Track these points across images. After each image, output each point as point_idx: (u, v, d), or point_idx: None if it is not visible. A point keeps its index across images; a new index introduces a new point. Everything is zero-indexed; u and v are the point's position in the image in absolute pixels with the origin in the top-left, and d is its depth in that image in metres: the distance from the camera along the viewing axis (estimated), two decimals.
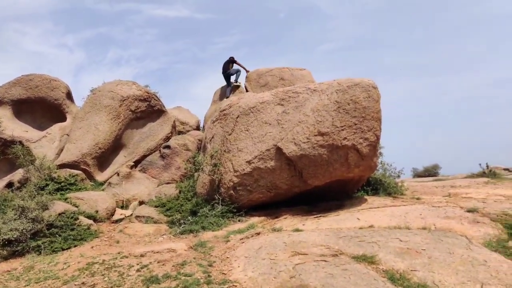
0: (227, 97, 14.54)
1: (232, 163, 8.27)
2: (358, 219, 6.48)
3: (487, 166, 17.47)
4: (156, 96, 13.99)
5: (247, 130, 8.30)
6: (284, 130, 7.71)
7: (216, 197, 8.34)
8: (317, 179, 7.59)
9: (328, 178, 7.58)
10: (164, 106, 14.36)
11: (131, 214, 9.03)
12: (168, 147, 12.62)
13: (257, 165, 7.86)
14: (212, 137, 9.18)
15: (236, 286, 4.01)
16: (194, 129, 15.72)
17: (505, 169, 17.84)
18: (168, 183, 11.67)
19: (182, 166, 12.18)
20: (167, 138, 13.69)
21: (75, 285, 4.25)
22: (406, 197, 8.73)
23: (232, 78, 15.12)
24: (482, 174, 16.42)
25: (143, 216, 8.47)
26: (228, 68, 14.70)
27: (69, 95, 14.51)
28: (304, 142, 7.37)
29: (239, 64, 15.05)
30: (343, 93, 7.37)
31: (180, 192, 9.63)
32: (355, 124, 7.19)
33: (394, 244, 4.83)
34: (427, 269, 4.12)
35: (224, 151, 8.59)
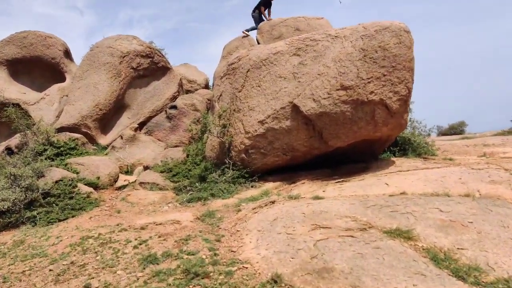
0: (250, 29, 14.02)
1: (243, 124, 7.60)
2: (387, 184, 5.83)
3: None
4: (160, 52, 13.17)
5: (258, 86, 7.54)
6: (301, 84, 6.92)
7: (227, 161, 7.78)
8: (340, 139, 6.89)
9: (352, 138, 6.87)
10: (169, 63, 13.57)
11: (135, 180, 8.61)
12: (174, 107, 12.00)
13: (271, 126, 7.18)
14: (220, 94, 8.47)
15: (247, 267, 3.49)
16: (203, 88, 14.98)
17: None
18: (176, 146, 11.17)
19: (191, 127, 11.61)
20: (174, 98, 13.04)
21: (63, 265, 3.83)
22: (438, 158, 7.99)
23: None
24: (503, 133, 15.43)
25: (148, 183, 8.04)
26: (255, 11, 13.79)
27: (67, 53, 13.83)
28: (324, 98, 6.59)
29: (261, 12, 13.82)
30: (369, 39, 6.44)
31: (187, 156, 9.11)
32: (384, 75, 6.34)
33: (434, 216, 4.19)
34: (478, 247, 3.49)
35: (234, 110, 7.90)
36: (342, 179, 6.91)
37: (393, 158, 7.88)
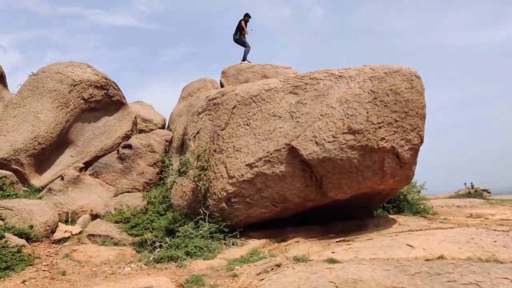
0: (244, 60, 13.87)
1: (226, 167, 6.56)
2: (410, 246, 5.04)
3: (472, 186, 17.15)
4: (116, 85, 11.88)
5: (247, 125, 6.66)
6: (300, 125, 6.17)
7: (201, 211, 6.56)
8: (341, 190, 6.10)
9: (354, 190, 6.13)
10: (124, 98, 12.26)
11: (81, 232, 6.93)
12: (129, 146, 10.55)
13: (261, 170, 6.23)
14: (197, 132, 7.41)
15: None
16: (159, 128, 13.72)
17: (483, 190, 17.56)
18: (127, 191, 9.60)
19: (146, 170, 10.18)
20: (126, 137, 11.58)
21: None
22: (437, 217, 7.51)
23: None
24: (468, 194, 16.01)
25: (99, 235, 6.44)
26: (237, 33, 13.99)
27: (1, 78, 11.95)
28: (329, 142, 5.87)
29: (242, 27, 14.12)
30: (379, 81, 6.01)
31: (148, 203, 7.68)
32: (396, 121, 5.84)
33: None
34: None
35: (215, 150, 6.86)
36: (343, 238, 6.04)
37: (392, 216, 7.23)
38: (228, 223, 6.37)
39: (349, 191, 6.13)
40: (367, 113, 5.85)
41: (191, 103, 11.39)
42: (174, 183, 7.62)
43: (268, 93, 6.68)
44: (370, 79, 6.07)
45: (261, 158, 6.25)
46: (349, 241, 5.94)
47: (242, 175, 6.34)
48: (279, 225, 6.90)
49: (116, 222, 6.92)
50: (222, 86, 13.85)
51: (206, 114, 7.40)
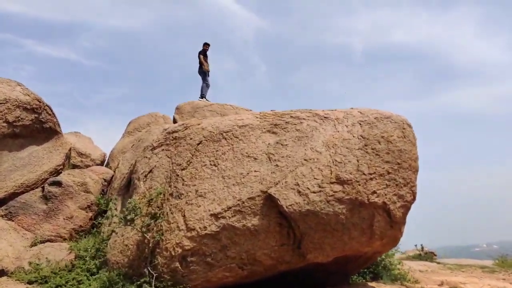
0: (203, 97, 13.38)
1: (184, 216, 5.43)
2: None
3: (422, 248, 17.16)
4: (51, 109, 10.36)
5: (215, 165, 5.68)
6: (280, 170, 5.32)
7: (147, 272, 5.28)
8: (323, 252, 5.22)
9: (338, 251, 5.28)
10: (59, 126, 10.71)
11: None
12: (57, 183, 8.92)
13: (229, 222, 5.19)
14: (150, 171, 6.25)
15: None
16: (98, 165, 12.11)
17: (431, 253, 17.65)
18: (49, 240, 7.89)
19: (77, 214, 8.57)
20: (56, 172, 9.91)
21: None
22: (409, 284, 6.83)
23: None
24: (419, 256, 15.92)
25: None
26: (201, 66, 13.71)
27: None
28: (314, 192, 5.05)
29: (200, 60, 13.52)
30: (370, 126, 5.45)
31: (76, 257, 6.15)
32: (388, 173, 5.22)
33: None
34: None
35: (171, 194, 5.73)
36: None
37: (370, 284, 6.42)
38: None
39: (331, 253, 5.26)
40: (358, 161, 5.18)
41: (140, 137, 10.18)
42: (113, 233, 6.25)
43: (242, 129, 5.84)
44: (360, 124, 5.49)
45: (230, 207, 5.24)
46: None
47: (205, 227, 5.25)
48: None
49: (30, 282, 5.35)
50: (175, 123, 12.88)
51: (163, 150, 6.31)
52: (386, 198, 5.13)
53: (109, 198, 8.77)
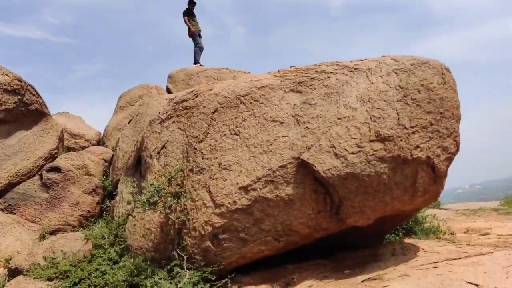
0: (196, 63, 12.70)
1: (210, 191, 5.04)
2: (471, 283, 3.97)
3: None
4: (34, 89, 9.64)
5: (236, 134, 5.22)
6: (311, 132, 4.89)
7: (176, 255, 4.96)
8: (363, 215, 4.90)
9: (379, 213, 4.97)
10: (46, 107, 10.04)
11: None
12: (56, 169, 8.44)
13: (261, 194, 4.82)
14: (163, 146, 5.77)
15: None
16: (93, 145, 11.55)
17: None
18: (58, 230, 7.50)
19: (83, 200, 8.15)
20: (52, 157, 9.37)
21: None
22: (453, 237, 6.66)
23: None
24: None
25: None
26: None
27: None
28: (352, 153, 4.66)
29: (184, 21, 12.76)
30: (407, 74, 4.98)
31: (94, 246, 5.77)
32: (431, 125, 4.82)
33: None
34: None
35: (191, 170, 5.29)
36: (369, 276, 4.84)
37: (407, 241, 6.20)
38: (214, 268, 4.82)
39: (373, 215, 4.94)
40: (398, 114, 4.76)
41: (137, 111, 9.58)
42: (130, 217, 5.86)
43: (261, 91, 5.33)
44: (396, 72, 5.02)
45: (260, 178, 4.84)
46: (376, 279, 4.76)
47: (235, 201, 4.87)
48: (274, 261, 5.51)
49: (50, 279, 4.98)
50: (169, 92, 12.26)
51: (173, 122, 5.80)
52: (430, 151, 4.76)
53: (114, 179, 8.34)
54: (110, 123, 12.40)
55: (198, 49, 13.19)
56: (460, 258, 4.95)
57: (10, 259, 6.01)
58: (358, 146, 4.67)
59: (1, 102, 8.67)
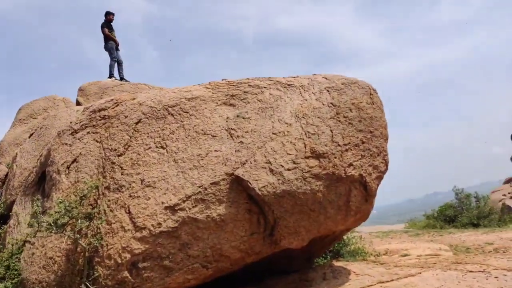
0: (111, 76, 11.99)
1: (129, 212, 4.45)
2: None
3: None
4: None
5: (162, 147, 4.75)
6: (246, 147, 4.63)
7: None
8: (298, 237, 4.71)
9: (314, 233, 4.83)
10: None
11: None
12: None
13: (190, 214, 4.38)
14: (74, 160, 5.02)
15: None
16: None
17: None
18: None
19: None
20: None
21: None
22: (379, 259, 6.80)
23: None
24: None
25: None
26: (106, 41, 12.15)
27: None
28: (288, 169, 4.48)
29: (105, 34, 11.84)
30: (339, 93, 5.03)
31: None
32: (363, 143, 4.88)
33: None
34: None
35: (107, 188, 4.66)
36: None
37: (336, 263, 6.16)
38: None
39: (307, 236, 4.78)
40: (331, 131, 4.74)
41: (40, 124, 8.52)
42: (27, 244, 4.94)
43: (192, 103, 4.97)
44: (328, 90, 5.04)
45: (190, 196, 4.41)
46: None
47: (159, 224, 4.35)
48: None
49: None
50: (79, 104, 11.25)
51: (88, 133, 5.12)
52: (362, 170, 4.80)
53: (8, 200, 7.17)
54: (6, 137, 10.90)
55: (114, 63, 12.40)
56: (393, 280, 4.99)
57: None
58: (294, 162, 4.51)
59: None
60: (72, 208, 4.13)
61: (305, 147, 4.59)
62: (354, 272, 5.55)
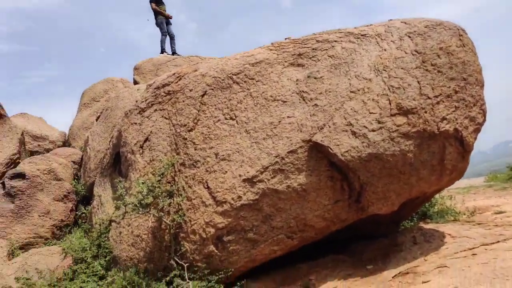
0: (163, 52, 11.83)
1: (208, 187, 4.39)
2: None
3: None
4: None
5: (232, 118, 4.57)
6: (321, 110, 4.30)
7: (174, 264, 4.30)
8: (387, 202, 4.38)
9: (405, 197, 4.48)
10: (2, 107, 9.02)
11: None
12: (21, 176, 7.52)
13: (270, 185, 4.21)
14: (146, 139, 5.04)
15: None
16: (59, 147, 10.58)
17: None
18: (29, 243, 6.65)
19: (54, 208, 7.29)
20: (13, 163, 8.42)
21: None
22: (465, 218, 6.28)
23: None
24: None
25: None
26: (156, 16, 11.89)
27: None
28: (373, 130, 4.10)
29: (153, 9, 11.84)
30: (422, 38, 4.45)
31: (74, 261, 5.01)
32: (456, 93, 4.32)
33: None
34: None
35: (183, 164, 4.61)
36: (399, 271, 4.35)
37: (427, 226, 5.77)
38: (221, 276, 4.22)
39: (397, 201, 4.44)
40: (419, 83, 4.23)
41: (105, 106, 8.75)
42: (113, 224, 5.13)
43: (256, 68, 4.69)
44: (409, 36, 4.48)
45: (267, 167, 4.23)
46: (409, 273, 4.28)
47: (239, 197, 4.24)
48: (282, 260, 4.94)
49: None
50: (136, 83, 11.48)
51: (156, 110, 5.08)
52: (457, 123, 4.27)
53: (87, 182, 7.54)
54: (74, 122, 11.47)
55: (165, 37, 12.35)
56: (499, 241, 4.53)
57: None
58: (379, 122, 4.11)
59: None
60: (154, 188, 4.14)
61: (390, 104, 4.16)
62: (450, 235, 5.12)
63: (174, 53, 12.21)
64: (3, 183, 7.41)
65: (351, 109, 4.19)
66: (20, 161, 8.52)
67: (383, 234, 5.60)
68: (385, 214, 4.79)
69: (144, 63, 12.20)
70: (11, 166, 8.27)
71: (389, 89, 4.20)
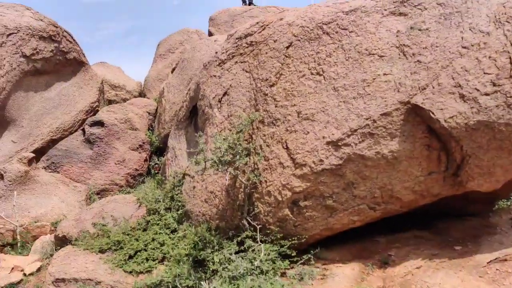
0: (249, 3, 11.83)
1: (287, 148, 4.13)
2: None
3: None
4: (71, 36, 8.94)
5: (318, 74, 4.19)
6: (424, 67, 3.76)
7: (246, 224, 4.18)
8: (492, 178, 3.83)
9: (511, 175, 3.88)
10: (84, 55, 9.36)
11: (39, 269, 4.37)
12: (99, 123, 7.86)
13: (356, 151, 3.85)
14: (225, 93, 4.86)
15: None
16: (135, 97, 10.94)
17: None
18: (104, 189, 7.01)
19: (129, 157, 7.56)
20: (93, 110, 8.82)
21: None
22: None
23: None
24: None
25: (75, 279, 3.91)
26: None
27: None
28: (486, 94, 3.51)
29: None
30: None
31: (147, 211, 5.13)
32: None
33: None
34: None
35: (261, 122, 4.38)
36: (496, 257, 3.86)
37: None
38: (294, 242, 4.03)
39: (503, 177, 3.86)
40: None
41: (181, 57, 8.69)
42: (187, 177, 5.12)
43: (350, 16, 4.19)
44: None
45: (355, 130, 3.85)
46: (507, 260, 3.79)
47: (321, 160, 3.94)
48: (358, 231, 4.64)
49: (101, 250, 4.40)
50: (211, 35, 11.34)
51: (236, 63, 4.84)
52: None
53: (161, 134, 7.67)
54: (150, 73, 11.73)
55: None
56: None
57: (56, 223, 5.57)
58: (494, 84, 3.50)
59: (38, 50, 8.02)
60: (235, 145, 3.98)
61: (511, 63, 3.51)
62: None
63: (250, 3, 11.82)
64: (83, 130, 7.80)
65: (461, 67, 3.61)
66: (99, 109, 8.91)
67: (472, 213, 5.05)
68: (483, 191, 4.24)
69: (219, 14, 12.02)
70: (91, 114, 8.67)
71: (511, 44, 3.53)
